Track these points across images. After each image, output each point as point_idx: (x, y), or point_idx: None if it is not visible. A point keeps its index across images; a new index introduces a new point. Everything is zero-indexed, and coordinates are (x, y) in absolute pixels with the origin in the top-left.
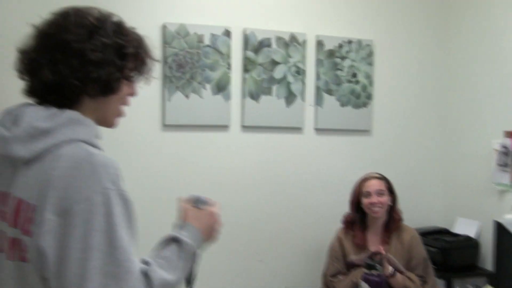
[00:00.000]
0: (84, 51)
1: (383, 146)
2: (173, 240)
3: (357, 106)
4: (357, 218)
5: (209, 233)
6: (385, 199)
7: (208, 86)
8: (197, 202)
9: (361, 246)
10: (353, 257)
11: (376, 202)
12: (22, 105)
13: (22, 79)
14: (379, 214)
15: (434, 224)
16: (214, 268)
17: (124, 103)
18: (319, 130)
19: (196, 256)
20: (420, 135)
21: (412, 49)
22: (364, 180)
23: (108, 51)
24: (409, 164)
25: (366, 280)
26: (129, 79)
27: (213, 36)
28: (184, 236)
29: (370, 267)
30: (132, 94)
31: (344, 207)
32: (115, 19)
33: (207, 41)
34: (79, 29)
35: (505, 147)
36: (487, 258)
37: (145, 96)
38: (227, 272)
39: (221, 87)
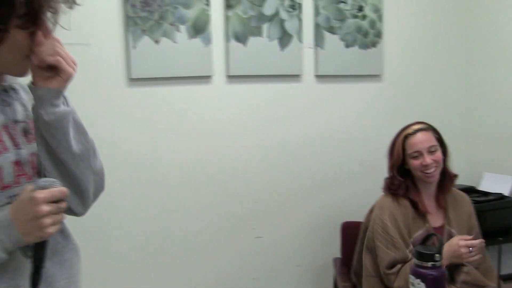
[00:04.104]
0: None
1: (396, 94)
2: None
3: (364, 46)
4: (409, 182)
5: (25, 222)
6: (439, 155)
7: (182, 27)
8: (36, 187)
9: (423, 215)
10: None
11: (431, 163)
12: None
13: None
14: (435, 177)
15: (457, 182)
16: (202, 247)
17: (24, 49)
18: (320, 77)
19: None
20: (440, 78)
21: None
22: (407, 136)
23: None
24: (427, 113)
25: (419, 275)
26: (22, 28)
27: None
28: None
29: (425, 258)
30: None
31: (355, 168)
32: None
33: None
34: None
35: None
36: None
37: (103, 45)
38: (218, 249)
39: (199, 29)
